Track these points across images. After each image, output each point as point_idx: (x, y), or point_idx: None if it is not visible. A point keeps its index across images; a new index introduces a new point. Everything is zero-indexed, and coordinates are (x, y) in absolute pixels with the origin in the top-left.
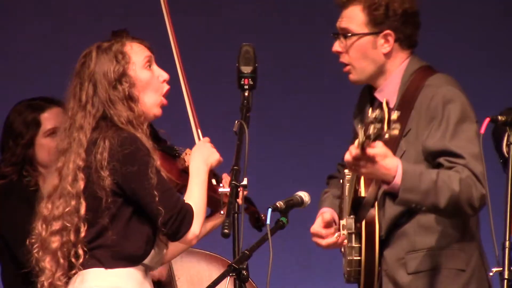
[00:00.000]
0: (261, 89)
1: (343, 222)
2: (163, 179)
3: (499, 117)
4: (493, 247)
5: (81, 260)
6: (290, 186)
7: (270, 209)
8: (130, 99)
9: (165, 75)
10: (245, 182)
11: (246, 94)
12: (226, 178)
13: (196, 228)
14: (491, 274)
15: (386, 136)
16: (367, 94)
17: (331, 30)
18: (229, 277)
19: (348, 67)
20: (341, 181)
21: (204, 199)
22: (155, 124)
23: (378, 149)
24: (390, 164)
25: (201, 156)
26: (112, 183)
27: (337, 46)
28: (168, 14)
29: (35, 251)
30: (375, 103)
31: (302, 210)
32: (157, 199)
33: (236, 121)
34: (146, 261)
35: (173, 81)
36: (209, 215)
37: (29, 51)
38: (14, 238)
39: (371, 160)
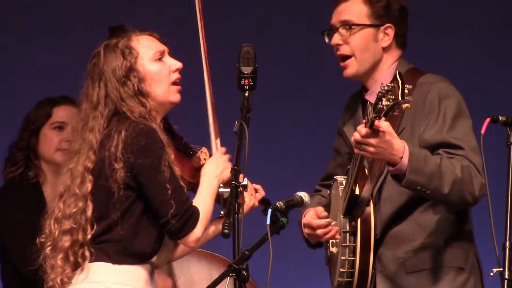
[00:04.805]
0: (261, 89)
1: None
2: (175, 175)
3: (500, 117)
4: (493, 247)
5: (87, 261)
6: (290, 186)
7: (270, 209)
8: (140, 94)
9: (177, 64)
10: (245, 182)
11: (246, 94)
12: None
13: (199, 231)
14: (491, 274)
15: (399, 109)
16: (358, 99)
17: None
18: (229, 277)
19: (347, 61)
20: (328, 191)
21: (211, 207)
22: (172, 121)
23: (386, 127)
24: (398, 144)
25: (214, 171)
26: (125, 176)
27: (337, 39)
28: (203, 30)
29: (47, 248)
30: (367, 106)
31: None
32: (169, 192)
33: (236, 122)
34: (153, 260)
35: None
36: (220, 217)
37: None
38: (12, 243)
39: (381, 138)
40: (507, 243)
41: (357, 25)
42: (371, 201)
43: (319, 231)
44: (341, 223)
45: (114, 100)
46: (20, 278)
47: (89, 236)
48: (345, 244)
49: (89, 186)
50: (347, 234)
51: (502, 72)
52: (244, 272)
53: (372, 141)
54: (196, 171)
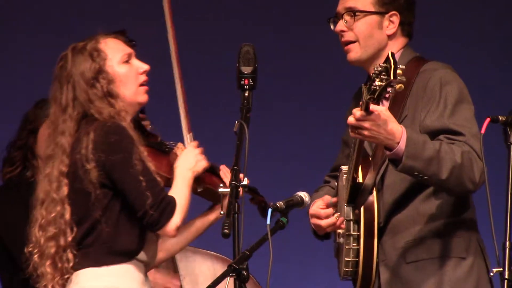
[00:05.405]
0: (261, 89)
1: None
2: (148, 168)
3: (500, 117)
4: (493, 247)
5: (71, 263)
6: (290, 186)
7: (270, 209)
8: (109, 95)
9: (144, 67)
10: (245, 182)
11: (246, 94)
12: (224, 169)
13: (177, 219)
14: (491, 274)
15: (392, 89)
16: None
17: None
18: (229, 277)
19: (351, 45)
20: (335, 183)
21: (187, 197)
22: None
23: (382, 110)
24: (395, 129)
25: (187, 164)
26: (98, 175)
27: (341, 26)
28: (172, 24)
29: (35, 256)
30: (362, 88)
31: (302, 210)
32: (144, 184)
33: (236, 121)
34: (141, 256)
35: (169, 83)
36: (209, 208)
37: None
38: (13, 241)
39: (375, 121)
40: (507, 243)
41: (362, 11)
42: (374, 189)
43: (324, 222)
44: (345, 212)
45: (82, 102)
46: (18, 280)
47: (69, 239)
48: (349, 233)
49: (65, 189)
50: (351, 222)
51: (502, 72)
52: (244, 272)
53: (366, 124)
54: (173, 167)
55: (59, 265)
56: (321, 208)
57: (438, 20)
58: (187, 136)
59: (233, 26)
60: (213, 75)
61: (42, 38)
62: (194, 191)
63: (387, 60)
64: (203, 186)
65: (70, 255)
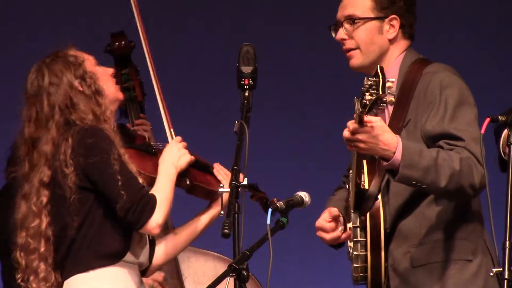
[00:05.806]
0: (262, 89)
1: (349, 225)
2: (128, 168)
3: (499, 117)
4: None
5: (44, 273)
6: (290, 186)
7: (270, 209)
8: (97, 93)
9: (110, 70)
10: (245, 182)
11: (246, 94)
12: (217, 167)
13: (159, 217)
14: (491, 274)
15: (383, 102)
16: None
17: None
18: (229, 277)
19: (352, 51)
20: (347, 186)
21: (170, 193)
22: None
23: (376, 122)
24: (390, 139)
25: (170, 159)
26: (77, 179)
27: (341, 34)
28: (138, 10)
29: (19, 280)
30: (354, 101)
31: (302, 210)
32: (119, 183)
33: (236, 121)
34: (129, 258)
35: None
36: (206, 208)
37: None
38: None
39: (370, 133)
40: (507, 243)
41: (361, 18)
42: (379, 196)
43: (328, 237)
44: (351, 218)
45: (64, 109)
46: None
47: (42, 250)
48: (356, 239)
49: (44, 199)
50: (358, 229)
51: (502, 72)
52: (244, 272)
53: (361, 136)
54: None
55: (42, 275)
56: (327, 221)
57: (438, 20)
58: (169, 131)
59: (233, 26)
60: (213, 74)
61: (42, 38)
62: (186, 189)
63: (376, 74)
64: (194, 182)
65: (43, 266)
